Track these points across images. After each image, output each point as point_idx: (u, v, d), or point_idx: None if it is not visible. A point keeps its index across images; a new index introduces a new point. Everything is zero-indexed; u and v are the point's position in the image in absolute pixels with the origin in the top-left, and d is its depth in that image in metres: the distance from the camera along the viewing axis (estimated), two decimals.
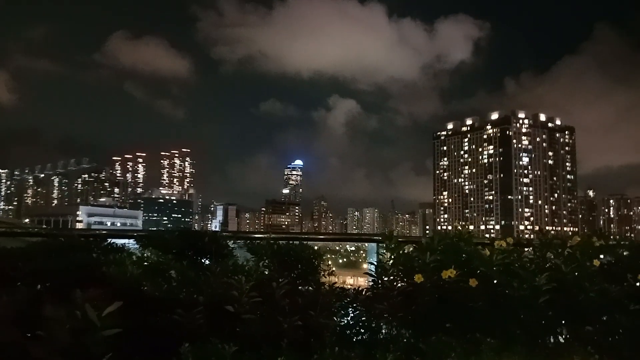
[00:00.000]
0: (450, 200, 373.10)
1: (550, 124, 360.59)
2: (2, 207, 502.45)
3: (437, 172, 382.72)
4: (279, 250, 6.53)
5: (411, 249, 7.09)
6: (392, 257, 6.53)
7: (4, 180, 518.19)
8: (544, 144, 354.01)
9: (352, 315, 6.18)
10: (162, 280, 5.51)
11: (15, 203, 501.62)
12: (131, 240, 7.86)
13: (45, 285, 5.48)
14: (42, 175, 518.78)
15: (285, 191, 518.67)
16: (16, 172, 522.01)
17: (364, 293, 6.49)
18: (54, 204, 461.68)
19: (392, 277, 6.54)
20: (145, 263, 6.17)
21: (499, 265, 6.26)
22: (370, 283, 6.98)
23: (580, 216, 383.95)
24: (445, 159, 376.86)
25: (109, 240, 7.48)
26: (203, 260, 7.00)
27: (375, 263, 7.08)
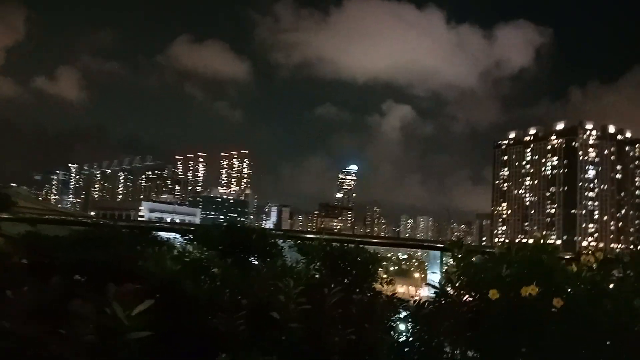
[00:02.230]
0: (509, 212, 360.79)
1: (619, 136, 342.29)
2: (70, 199, 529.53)
3: (497, 182, 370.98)
4: (331, 252, 5.88)
5: (476, 259, 6.31)
6: (460, 267, 5.76)
7: (73, 175, 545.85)
8: (612, 157, 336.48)
9: (411, 330, 5.48)
10: (203, 278, 5.01)
11: (82, 196, 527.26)
12: (177, 235, 7.47)
13: (79, 278, 5.12)
14: (109, 171, 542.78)
15: (339, 195, 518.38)
16: (85, 167, 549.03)
17: (426, 306, 5.76)
18: (118, 199, 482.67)
19: (459, 291, 5.79)
20: (186, 259, 5.67)
21: (587, 284, 5.37)
22: (428, 294, 6.26)
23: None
24: (506, 168, 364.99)
25: (154, 233, 7.13)
26: (250, 259, 6.48)
27: (438, 273, 6.33)
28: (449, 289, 5.92)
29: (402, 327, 5.69)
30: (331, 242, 6.19)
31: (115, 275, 4.36)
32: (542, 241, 6.14)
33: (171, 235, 7.29)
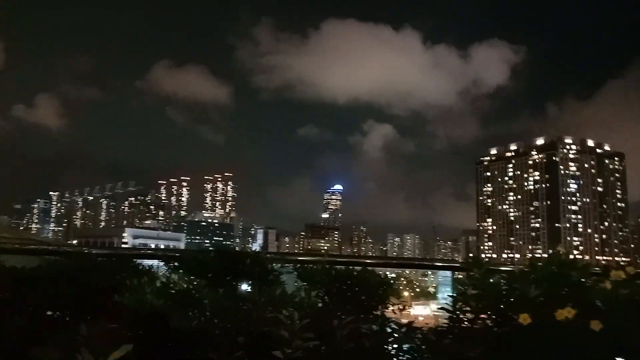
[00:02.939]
0: (494, 227, 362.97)
1: (598, 150, 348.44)
2: (52, 228, 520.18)
3: (481, 198, 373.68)
4: (337, 277, 5.18)
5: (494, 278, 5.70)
6: (479, 288, 5.14)
7: (54, 203, 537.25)
8: (593, 170, 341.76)
9: None
10: (192, 312, 4.30)
11: (64, 224, 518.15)
12: (162, 262, 6.74)
13: (47, 315, 4.41)
14: (91, 197, 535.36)
15: (325, 215, 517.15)
16: (66, 195, 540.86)
17: (443, 334, 5.12)
18: (101, 226, 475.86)
19: (478, 314, 5.16)
20: (172, 290, 4.93)
21: (623, 302, 4.78)
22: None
23: (632, 245, 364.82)
24: (489, 184, 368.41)
25: (135, 261, 6.38)
26: (244, 287, 5.77)
27: (450, 295, 5.71)
28: (466, 313, 5.30)
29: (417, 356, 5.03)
30: (334, 265, 5.54)
31: (90, 312, 3.67)
32: (566, 256, 5.59)
33: (155, 262, 6.57)
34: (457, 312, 5.56)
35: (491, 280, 5.16)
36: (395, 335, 5.12)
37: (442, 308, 5.64)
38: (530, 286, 4.78)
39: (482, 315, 5.29)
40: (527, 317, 4.42)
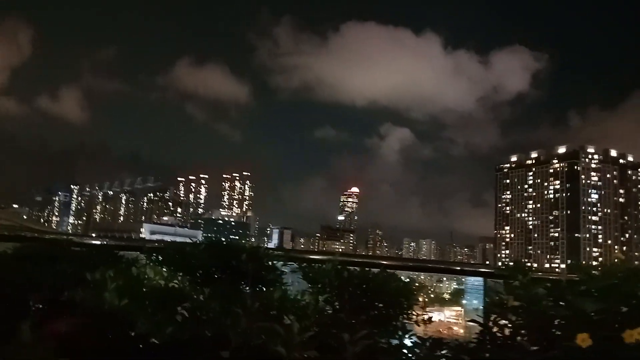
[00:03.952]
0: (512, 235, 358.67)
1: (621, 160, 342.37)
2: (72, 221, 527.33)
3: (499, 205, 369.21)
4: (350, 279, 4.26)
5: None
6: (521, 299, 4.26)
7: (75, 196, 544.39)
8: (615, 181, 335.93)
9: None
10: (166, 316, 3.48)
11: (84, 218, 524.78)
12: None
13: None
14: (111, 192, 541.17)
15: (341, 218, 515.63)
16: (87, 189, 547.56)
17: (475, 351, 4.26)
18: (120, 221, 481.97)
19: (519, 330, 4.29)
20: (144, 289, 4.09)
21: None
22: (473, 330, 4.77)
23: None
24: (508, 192, 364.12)
25: (116, 252, 5.60)
26: (239, 287, 4.90)
27: (480, 304, 4.84)
28: (504, 328, 4.43)
29: None
30: (346, 265, 4.67)
31: (46, 308, 2.90)
32: (620, 261, 4.67)
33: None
34: (491, 326, 4.70)
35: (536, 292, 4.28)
36: (417, 350, 4.26)
37: (472, 321, 4.77)
38: (587, 300, 3.88)
39: (522, 331, 4.42)
40: (586, 337, 3.53)
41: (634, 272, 4.20)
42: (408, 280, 4.92)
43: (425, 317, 4.60)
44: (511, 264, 4.56)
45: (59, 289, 3.84)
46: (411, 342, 4.42)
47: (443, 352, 4.25)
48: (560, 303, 4.20)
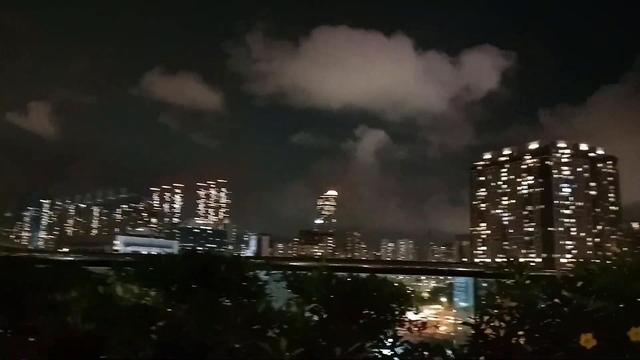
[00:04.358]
0: (488, 231, 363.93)
1: (591, 154, 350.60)
2: (43, 236, 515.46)
3: (474, 202, 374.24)
4: (339, 286, 4.00)
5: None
6: (518, 299, 4.07)
7: (45, 210, 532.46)
8: (586, 174, 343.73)
9: None
10: (138, 336, 3.17)
11: (56, 232, 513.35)
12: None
13: None
14: (83, 205, 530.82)
15: (319, 221, 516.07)
16: (58, 202, 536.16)
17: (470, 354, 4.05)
18: (93, 234, 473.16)
19: (515, 331, 4.10)
20: (115, 309, 3.75)
21: None
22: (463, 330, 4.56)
23: (626, 249, 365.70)
24: (483, 189, 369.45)
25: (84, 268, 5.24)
26: (219, 300, 4.58)
27: (470, 304, 4.65)
28: (499, 329, 4.23)
29: None
30: (333, 272, 4.41)
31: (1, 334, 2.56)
32: (616, 255, 4.52)
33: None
34: (483, 327, 4.50)
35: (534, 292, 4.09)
36: (409, 358, 4.04)
37: (465, 323, 4.57)
38: (588, 298, 3.70)
39: (520, 332, 4.23)
40: (590, 338, 3.35)
41: (633, 267, 4.06)
42: (401, 285, 4.72)
43: (419, 322, 4.40)
44: (508, 261, 4.35)
45: (19, 314, 3.50)
46: (402, 349, 4.20)
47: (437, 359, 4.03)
48: (556, 301, 4.03)
